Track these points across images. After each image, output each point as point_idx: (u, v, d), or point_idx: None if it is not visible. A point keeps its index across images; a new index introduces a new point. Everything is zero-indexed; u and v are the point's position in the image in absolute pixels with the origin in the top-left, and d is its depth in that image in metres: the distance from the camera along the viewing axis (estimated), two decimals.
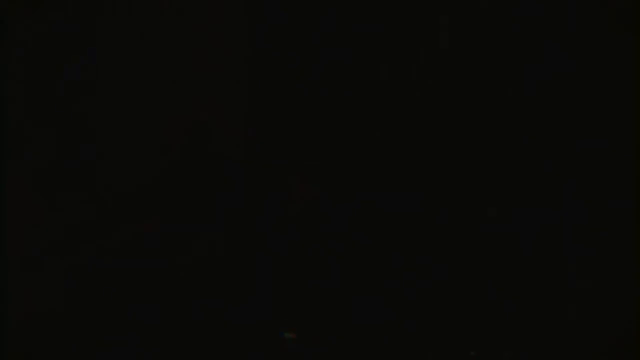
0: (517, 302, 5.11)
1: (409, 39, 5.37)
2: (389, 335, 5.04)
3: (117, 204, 5.29)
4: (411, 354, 5.06)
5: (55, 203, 5.14)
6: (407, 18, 5.36)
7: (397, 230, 5.19)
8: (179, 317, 5.04)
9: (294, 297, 5.09)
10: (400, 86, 5.38)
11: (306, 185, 5.21)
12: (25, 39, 5.10)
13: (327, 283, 5.08)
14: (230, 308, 5.08)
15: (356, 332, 5.04)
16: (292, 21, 5.49)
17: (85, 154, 5.25)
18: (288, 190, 5.21)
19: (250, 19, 5.56)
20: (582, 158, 5.10)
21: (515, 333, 5.09)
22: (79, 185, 5.22)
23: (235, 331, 5.05)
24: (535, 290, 5.11)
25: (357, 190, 5.29)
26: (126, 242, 5.21)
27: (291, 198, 5.19)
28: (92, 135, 5.27)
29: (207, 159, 5.34)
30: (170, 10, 5.45)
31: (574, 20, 5.10)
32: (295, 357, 5.03)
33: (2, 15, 5.03)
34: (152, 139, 5.40)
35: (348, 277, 5.10)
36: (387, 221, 5.19)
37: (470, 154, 5.25)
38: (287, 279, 5.10)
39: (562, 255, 5.09)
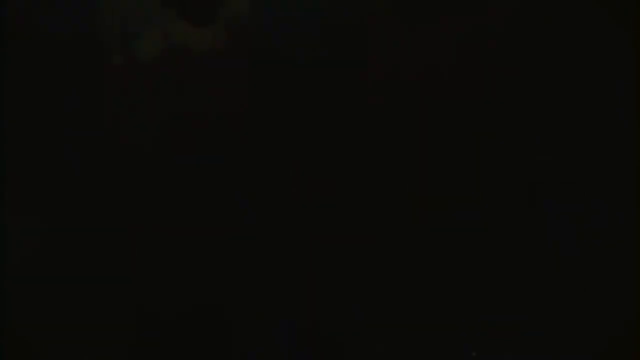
0: (516, 302, 5.11)
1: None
2: (387, 335, 5.04)
3: None
4: (411, 353, 5.05)
5: None
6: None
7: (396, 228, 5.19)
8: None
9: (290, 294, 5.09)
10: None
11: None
12: None
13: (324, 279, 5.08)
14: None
15: (354, 332, 5.04)
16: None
17: None
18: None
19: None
20: (582, 159, 5.09)
21: (515, 333, 5.09)
22: None
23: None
24: (535, 289, 5.10)
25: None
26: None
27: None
28: None
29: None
30: None
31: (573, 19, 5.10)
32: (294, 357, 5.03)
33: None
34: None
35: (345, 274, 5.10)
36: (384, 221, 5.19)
37: (469, 154, 5.26)
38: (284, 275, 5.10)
39: (562, 255, 5.09)
